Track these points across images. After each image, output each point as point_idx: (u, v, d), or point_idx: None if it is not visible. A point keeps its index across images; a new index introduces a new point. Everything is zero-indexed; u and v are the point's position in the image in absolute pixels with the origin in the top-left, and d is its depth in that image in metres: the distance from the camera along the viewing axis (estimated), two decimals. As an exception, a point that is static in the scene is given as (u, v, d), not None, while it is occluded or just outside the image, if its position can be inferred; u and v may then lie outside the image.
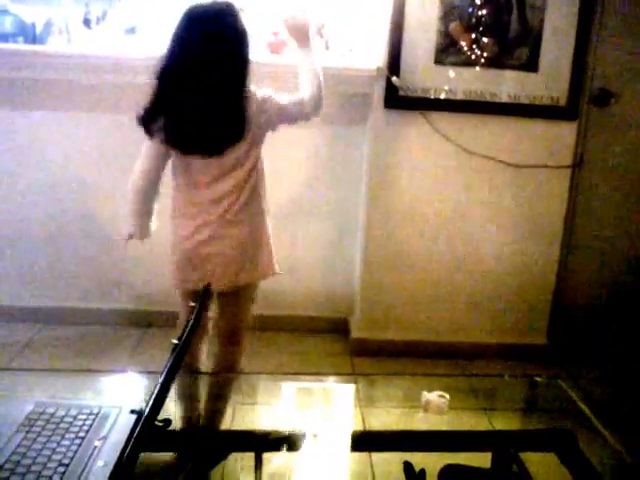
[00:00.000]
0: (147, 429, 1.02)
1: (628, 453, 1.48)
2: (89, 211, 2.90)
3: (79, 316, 2.97)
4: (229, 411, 1.57)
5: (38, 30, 3.11)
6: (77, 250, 2.96)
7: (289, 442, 1.35)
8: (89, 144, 2.85)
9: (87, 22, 3.19)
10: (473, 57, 2.60)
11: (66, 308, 2.98)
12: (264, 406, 1.71)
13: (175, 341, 1.08)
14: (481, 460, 1.36)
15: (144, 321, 2.95)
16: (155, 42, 3.07)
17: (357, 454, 1.46)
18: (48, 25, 3.10)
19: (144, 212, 1.98)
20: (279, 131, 1.97)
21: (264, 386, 1.83)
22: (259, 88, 1.92)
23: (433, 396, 1.53)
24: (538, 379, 1.69)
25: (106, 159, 2.85)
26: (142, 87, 2.70)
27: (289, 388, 1.69)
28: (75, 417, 1.14)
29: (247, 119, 1.87)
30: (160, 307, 2.89)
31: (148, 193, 1.96)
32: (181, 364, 1.11)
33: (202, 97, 1.81)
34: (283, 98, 1.93)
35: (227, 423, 1.53)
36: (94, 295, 3.00)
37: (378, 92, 2.64)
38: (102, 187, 2.87)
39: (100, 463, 1.02)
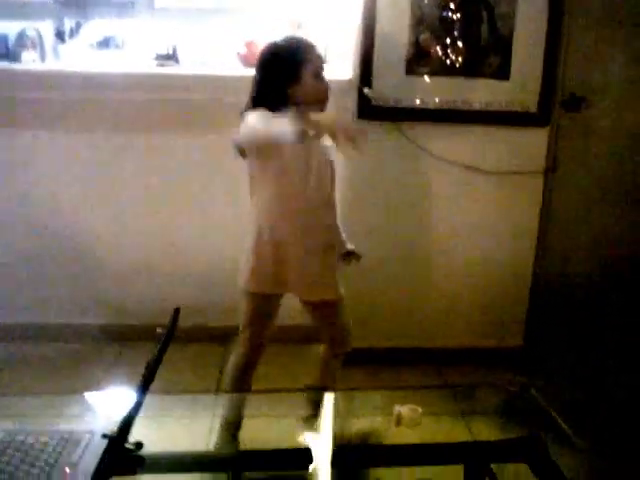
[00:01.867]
0: (117, 454, 1.02)
1: (599, 458, 1.51)
2: (66, 227, 2.89)
3: (56, 333, 2.94)
4: (202, 429, 1.57)
5: (10, 42, 3.09)
6: (53, 266, 2.93)
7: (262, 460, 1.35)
8: (65, 162, 2.85)
9: (60, 35, 3.17)
10: (444, 67, 2.62)
11: (43, 325, 2.95)
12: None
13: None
14: (454, 473, 1.38)
15: (122, 336, 2.92)
16: (129, 55, 3.07)
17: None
18: (21, 37, 3.07)
19: None
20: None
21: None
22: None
23: (405, 409, 1.54)
24: (511, 388, 1.71)
25: (83, 177, 2.86)
26: (116, 103, 2.73)
27: (262, 403, 1.69)
28: (45, 444, 1.14)
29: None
30: (137, 321, 2.90)
31: None
32: (149, 386, 1.11)
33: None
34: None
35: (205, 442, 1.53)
36: (71, 311, 2.97)
37: (351, 103, 2.66)
38: (79, 204, 2.88)
39: (69, 491, 1.02)
